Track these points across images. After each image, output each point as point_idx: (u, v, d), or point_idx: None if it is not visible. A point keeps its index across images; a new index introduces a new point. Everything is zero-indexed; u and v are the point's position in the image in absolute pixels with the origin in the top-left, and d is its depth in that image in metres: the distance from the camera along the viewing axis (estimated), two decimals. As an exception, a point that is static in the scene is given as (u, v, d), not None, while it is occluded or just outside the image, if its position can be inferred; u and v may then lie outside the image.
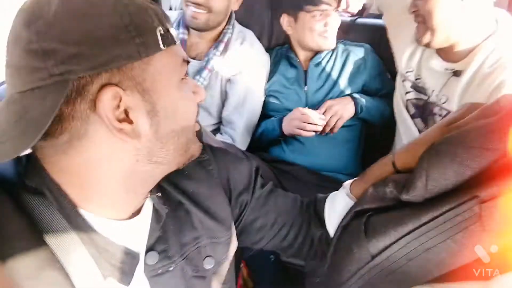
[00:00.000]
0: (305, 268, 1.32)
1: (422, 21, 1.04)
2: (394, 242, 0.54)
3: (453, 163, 0.50)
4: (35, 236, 0.46)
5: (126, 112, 0.46)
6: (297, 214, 0.76)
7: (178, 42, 0.51)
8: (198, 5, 1.27)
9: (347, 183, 0.74)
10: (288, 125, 1.35)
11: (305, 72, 1.45)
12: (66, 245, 0.47)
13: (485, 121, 0.51)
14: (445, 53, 1.10)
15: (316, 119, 1.31)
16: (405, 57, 1.22)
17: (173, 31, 0.50)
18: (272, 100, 1.47)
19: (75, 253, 0.48)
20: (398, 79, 1.28)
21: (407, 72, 1.22)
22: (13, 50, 0.44)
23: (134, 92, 0.46)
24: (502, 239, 0.46)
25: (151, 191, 0.57)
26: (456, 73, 1.07)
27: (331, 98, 1.41)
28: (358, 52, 1.44)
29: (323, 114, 1.31)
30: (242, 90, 1.41)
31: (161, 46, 0.47)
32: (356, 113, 1.36)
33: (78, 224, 0.48)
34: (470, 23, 1.01)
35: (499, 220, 0.46)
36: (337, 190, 0.76)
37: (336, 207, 0.72)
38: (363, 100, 1.37)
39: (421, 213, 0.52)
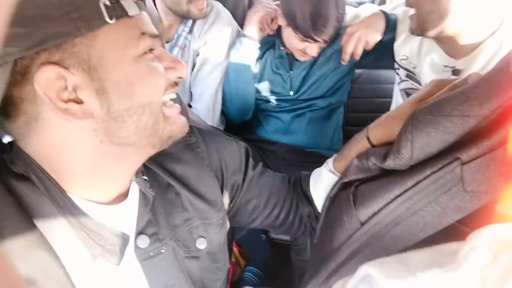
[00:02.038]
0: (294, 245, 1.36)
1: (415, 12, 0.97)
2: (382, 208, 0.56)
3: (436, 132, 0.52)
4: (24, 219, 0.46)
5: (75, 91, 0.44)
6: (287, 193, 0.78)
7: (136, 14, 0.47)
8: None
9: (329, 160, 0.75)
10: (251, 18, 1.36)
11: (291, 56, 1.43)
12: (54, 227, 0.48)
13: (462, 89, 0.53)
14: (448, 46, 1.03)
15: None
16: (399, 44, 1.18)
17: (127, 2, 0.46)
18: (261, 83, 1.46)
19: (63, 235, 0.48)
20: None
21: (401, 59, 1.18)
22: None
23: (79, 70, 0.44)
24: (482, 200, 0.49)
25: (136, 174, 0.58)
26: (455, 72, 1.00)
27: (316, 84, 1.42)
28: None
29: (344, 42, 1.21)
30: (205, 60, 1.40)
31: (107, 19, 0.43)
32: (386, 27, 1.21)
33: (65, 206, 0.48)
34: (481, 11, 0.92)
35: (479, 180, 0.48)
36: (320, 165, 0.78)
37: (321, 183, 0.74)
38: (392, 18, 1.22)
39: (406, 178, 0.54)
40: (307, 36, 1.23)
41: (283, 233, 0.82)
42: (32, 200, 0.47)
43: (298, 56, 1.37)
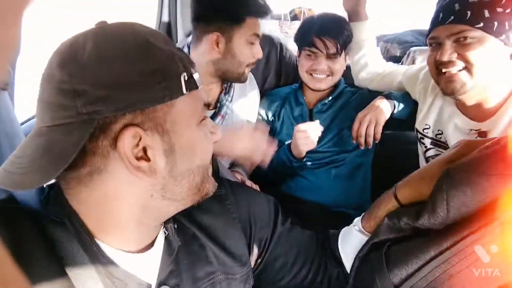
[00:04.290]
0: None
1: (464, 69, 0.99)
2: (417, 270, 0.54)
3: (473, 191, 0.51)
4: (55, 263, 0.47)
5: (144, 150, 0.48)
6: (315, 252, 0.76)
7: (200, 87, 0.54)
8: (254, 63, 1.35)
9: (357, 220, 0.74)
10: (294, 147, 1.35)
11: (311, 110, 1.49)
12: (81, 273, 0.48)
13: (497, 148, 0.52)
14: (470, 111, 1.06)
15: (315, 129, 1.32)
16: (421, 114, 1.22)
17: (196, 76, 0.53)
18: (281, 136, 1.50)
19: (90, 282, 0.49)
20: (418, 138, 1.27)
21: (424, 129, 1.21)
22: (45, 87, 0.47)
23: (154, 132, 0.48)
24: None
25: (165, 222, 0.59)
26: (481, 134, 1.02)
27: (337, 137, 1.44)
28: (363, 93, 1.49)
29: (358, 127, 1.29)
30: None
31: (184, 91, 0.50)
32: (392, 111, 1.31)
33: (94, 253, 0.50)
34: (501, 76, 0.99)
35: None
36: (347, 225, 0.76)
37: (350, 243, 0.72)
38: (394, 95, 1.33)
39: (442, 238, 0.52)
40: (304, 41, 1.40)
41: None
42: (63, 245, 0.49)
43: (310, 82, 1.43)
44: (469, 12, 0.95)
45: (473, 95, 1.02)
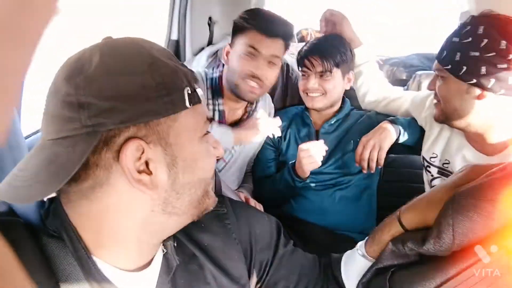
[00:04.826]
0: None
1: (439, 101, 1.07)
2: (422, 298, 0.53)
3: (479, 217, 0.51)
4: (50, 279, 0.47)
5: (146, 163, 0.48)
6: (317, 276, 0.74)
7: (203, 102, 0.54)
8: (257, 79, 1.29)
9: (361, 244, 0.73)
10: (298, 166, 1.34)
11: (317, 131, 1.49)
12: None
13: (504, 175, 0.51)
14: (477, 144, 1.07)
15: (318, 148, 1.30)
16: (429, 142, 1.22)
17: (199, 91, 0.53)
18: (287, 156, 1.50)
19: None
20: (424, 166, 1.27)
21: (431, 158, 1.21)
22: (51, 100, 0.47)
23: (157, 145, 0.48)
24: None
25: (164, 240, 0.58)
26: None
27: (342, 158, 1.44)
28: (370, 115, 1.49)
29: (361, 151, 1.27)
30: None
31: (187, 104, 0.50)
32: (397, 137, 1.31)
33: (90, 270, 0.49)
34: (498, 117, 0.99)
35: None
36: (350, 249, 0.75)
37: (353, 268, 0.71)
38: (400, 121, 1.35)
39: (448, 266, 0.51)
40: (298, 62, 1.45)
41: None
42: (60, 260, 0.48)
43: (306, 101, 1.45)
44: (444, 52, 1.01)
45: (470, 126, 1.04)
